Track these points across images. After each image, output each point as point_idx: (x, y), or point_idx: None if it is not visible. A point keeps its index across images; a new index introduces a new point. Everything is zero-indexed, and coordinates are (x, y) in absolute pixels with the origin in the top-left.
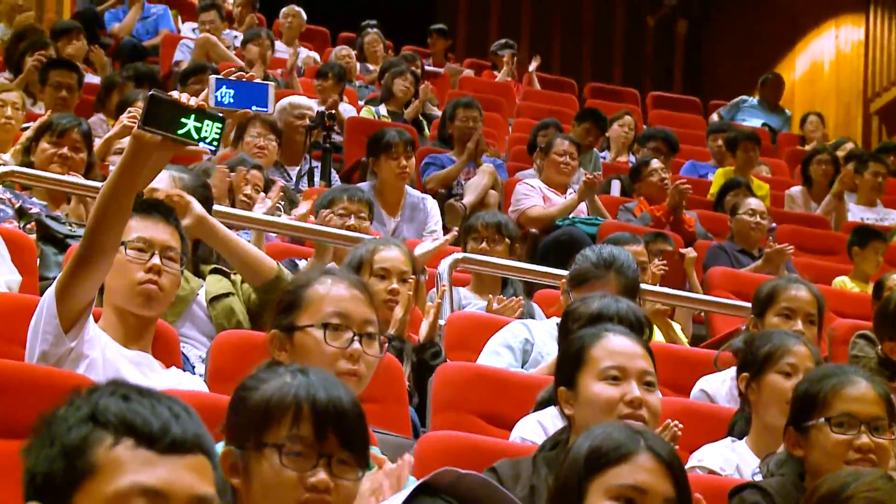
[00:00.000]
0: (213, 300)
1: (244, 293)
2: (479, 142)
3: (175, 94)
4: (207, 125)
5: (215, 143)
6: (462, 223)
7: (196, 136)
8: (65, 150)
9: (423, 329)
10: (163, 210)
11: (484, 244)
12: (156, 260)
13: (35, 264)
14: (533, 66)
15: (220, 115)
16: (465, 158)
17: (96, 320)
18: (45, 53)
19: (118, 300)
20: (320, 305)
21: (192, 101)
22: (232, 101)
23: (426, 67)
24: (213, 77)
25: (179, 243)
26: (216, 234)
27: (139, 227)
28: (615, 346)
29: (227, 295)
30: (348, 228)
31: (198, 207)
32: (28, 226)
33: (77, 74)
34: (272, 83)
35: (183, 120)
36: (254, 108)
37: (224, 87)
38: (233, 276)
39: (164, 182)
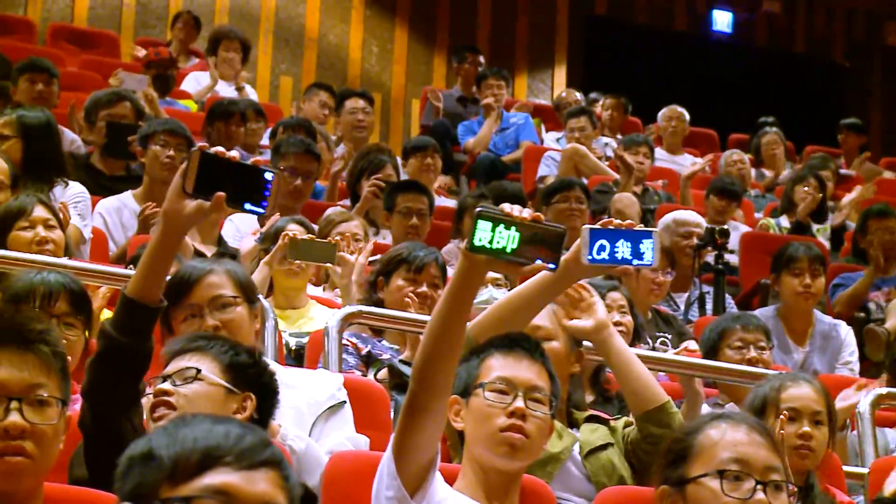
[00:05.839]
0: (590, 454)
1: (627, 438)
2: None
3: (506, 206)
4: (529, 239)
5: (557, 261)
6: (886, 352)
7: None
8: (423, 287)
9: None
10: (527, 345)
11: None
12: (519, 402)
13: (389, 418)
14: None
15: (560, 228)
16: (870, 273)
17: (451, 483)
18: (382, 177)
19: (477, 452)
20: (714, 452)
21: (525, 213)
22: (607, 256)
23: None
24: (586, 228)
25: (549, 383)
26: (613, 346)
27: (499, 366)
28: None
29: (605, 447)
30: (747, 362)
31: (603, 308)
32: (379, 374)
33: (428, 198)
34: (656, 231)
35: (510, 236)
36: (635, 262)
37: (601, 239)
38: (612, 423)
39: (544, 319)
